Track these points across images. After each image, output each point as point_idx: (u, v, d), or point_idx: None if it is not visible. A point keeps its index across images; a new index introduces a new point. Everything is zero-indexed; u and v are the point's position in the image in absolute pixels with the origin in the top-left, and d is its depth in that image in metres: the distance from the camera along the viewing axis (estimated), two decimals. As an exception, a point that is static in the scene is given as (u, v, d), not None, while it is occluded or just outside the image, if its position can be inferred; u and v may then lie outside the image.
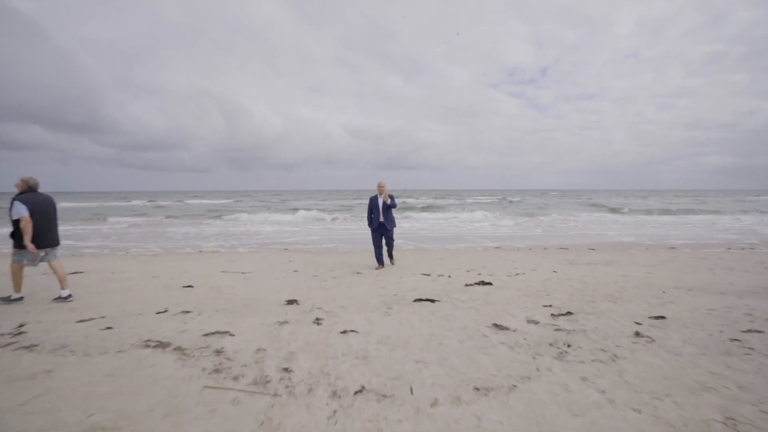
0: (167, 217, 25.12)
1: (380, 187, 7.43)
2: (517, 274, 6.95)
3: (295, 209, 30.64)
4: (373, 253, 7.94)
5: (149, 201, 48.52)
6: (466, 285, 6.08)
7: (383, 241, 7.73)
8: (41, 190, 5.28)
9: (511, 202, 42.71)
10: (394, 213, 8.20)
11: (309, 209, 29.92)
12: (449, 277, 6.81)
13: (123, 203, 44.27)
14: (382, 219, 7.43)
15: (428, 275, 6.96)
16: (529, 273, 7.08)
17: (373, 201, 7.55)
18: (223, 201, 47.61)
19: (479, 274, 7.03)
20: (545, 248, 11.07)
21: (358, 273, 7.22)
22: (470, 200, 47.42)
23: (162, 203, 43.98)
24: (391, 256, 7.93)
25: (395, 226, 7.77)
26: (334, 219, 23.06)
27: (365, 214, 7.38)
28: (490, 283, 6.16)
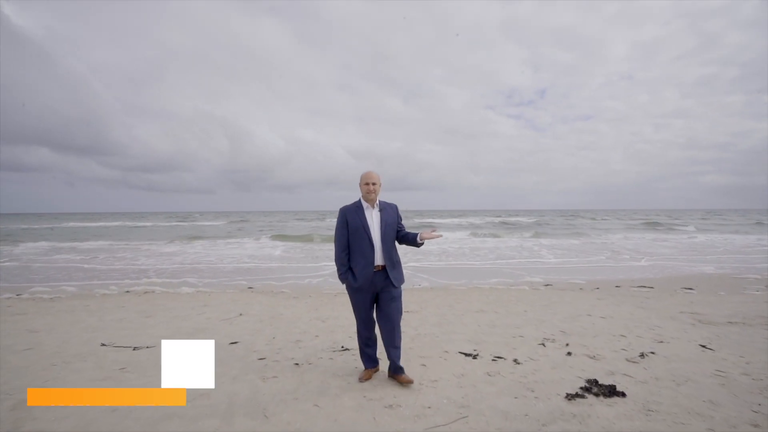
0: (114, 240, 22.00)
1: (369, 186, 3.05)
2: (641, 355, 3.68)
3: (283, 235, 27.50)
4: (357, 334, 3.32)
5: (128, 221, 45.48)
6: (569, 397, 2.83)
7: (375, 313, 3.19)
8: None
9: (526, 224, 39.19)
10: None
11: (303, 233, 26.81)
12: (516, 362, 3.55)
13: (94, 223, 41.22)
14: (381, 262, 3.03)
15: (474, 356, 3.71)
16: (663, 351, 3.81)
17: (355, 218, 3.07)
18: (218, 223, 44.41)
19: (569, 353, 3.77)
20: (617, 286, 7.79)
21: (342, 350, 3.95)
22: (478, 220, 44.17)
23: (137, 224, 40.87)
24: (395, 357, 3.14)
25: (404, 280, 3.21)
26: (316, 251, 19.85)
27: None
28: (615, 391, 2.91)
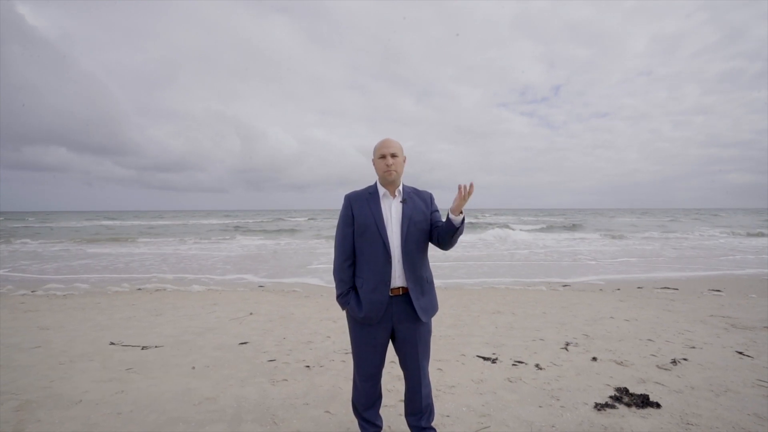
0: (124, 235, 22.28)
1: (387, 159, 1.93)
2: (673, 362, 3.45)
3: (295, 232, 27.60)
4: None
5: (155, 219, 46.22)
6: (598, 407, 2.63)
7: (385, 351, 2.05)
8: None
9: (541, 224, 38.56)
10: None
11: (315, 231, 26.81)
12: (538, 367, 3.35)
13: (136, 222, 41.95)
14: (401, 282, 1.94)
15: (492, 361, 3.52)
16: (696, 358, 3.57)
17: (365, 210, 1.97)
18: (235, 221, 44.78)
19: (594, 358, 3.55)
20: (640, 287, 7.49)
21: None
22: (486, 219, 43.66)
23: (163, 222, 41.48)
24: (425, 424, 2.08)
25: (436, 310, 2.06)
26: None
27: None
28: (648, 401, 2.69)
